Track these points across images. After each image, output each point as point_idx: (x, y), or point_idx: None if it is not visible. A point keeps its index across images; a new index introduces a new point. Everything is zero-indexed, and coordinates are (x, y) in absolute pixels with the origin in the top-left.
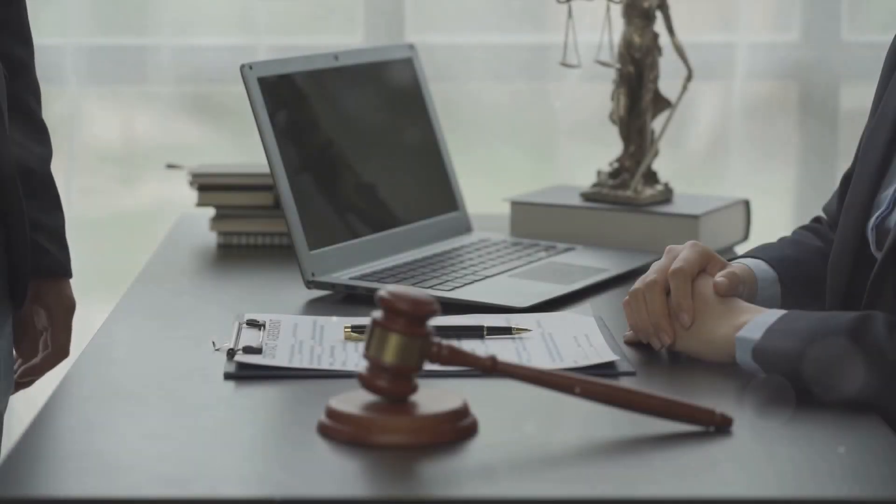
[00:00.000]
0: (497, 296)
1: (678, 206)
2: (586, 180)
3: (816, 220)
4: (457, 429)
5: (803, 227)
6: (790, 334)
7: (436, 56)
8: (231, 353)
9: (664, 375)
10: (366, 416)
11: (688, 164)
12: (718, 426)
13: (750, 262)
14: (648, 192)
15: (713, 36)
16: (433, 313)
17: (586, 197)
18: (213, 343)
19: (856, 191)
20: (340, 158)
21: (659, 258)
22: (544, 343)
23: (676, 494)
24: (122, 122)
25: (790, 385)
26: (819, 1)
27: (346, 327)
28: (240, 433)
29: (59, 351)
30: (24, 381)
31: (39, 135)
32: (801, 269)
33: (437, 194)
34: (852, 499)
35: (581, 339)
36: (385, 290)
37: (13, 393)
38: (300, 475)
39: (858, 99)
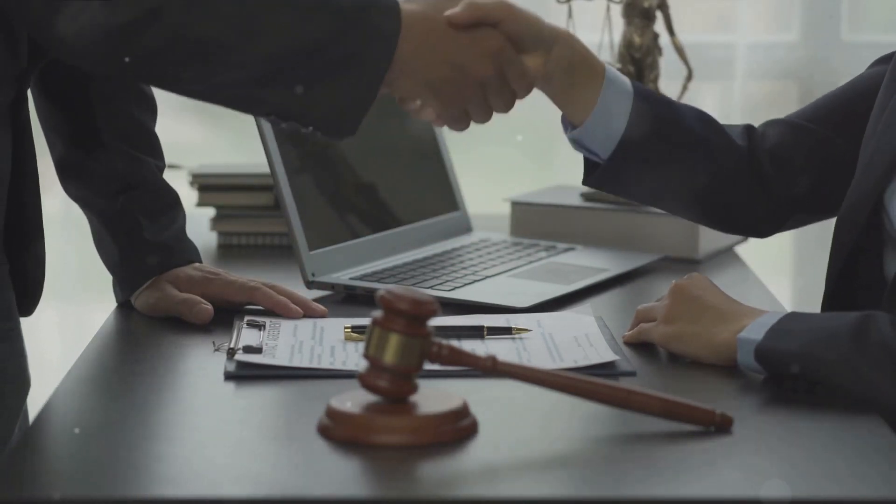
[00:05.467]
0: (497, 296)
1: None
2: None
3: (749, 127)
4: (457, 429)
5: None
6: (792, 335)
7: None
8: (231, 353)
9: (664, 375)
10: (366, 416)
11: None
12: (718, 426)
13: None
14: None
15: (713, 36)
16: (433, 313)
17: (586, 197)
18: (214, 343)
19: (877, 156)
20: (340, 158)
21: (659, 258)
22: (544, 343)
23: (676, 494)
24: None
25: (791, 385)
26: (819, 1)
27: (346, 327)
28: (240, 433)
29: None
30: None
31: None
32: (670, 111)
33: (438, 194)
34: (852, 499)
35: (581, 339)
36: (385, 290)
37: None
38: (300, 475)
39: None
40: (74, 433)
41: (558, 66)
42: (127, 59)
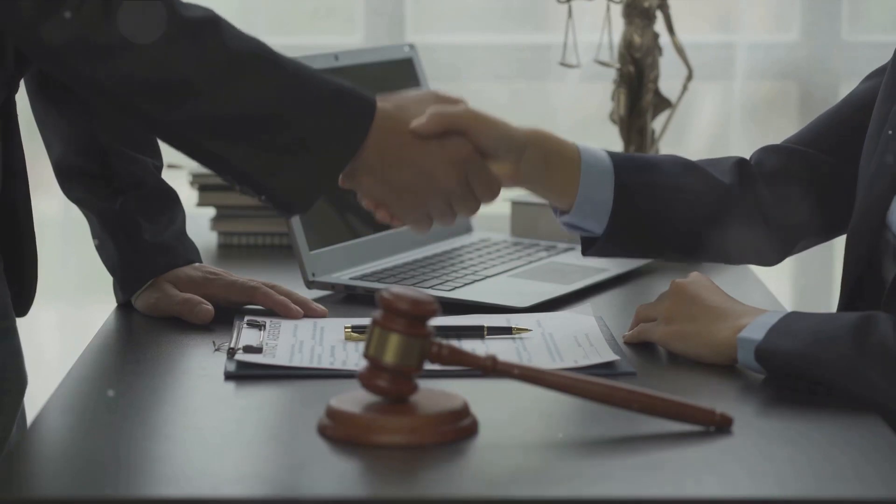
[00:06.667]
0: (497, 296)
1: None
2: None
3: (740, 161)
4: (457, 429)
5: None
6: (793, 335)
7: (436, 56)
8: (231, 353)
9: (664, 375)
10: (366, 416)
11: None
12: (719, 426)
13: (587, 146)
14: None
15: (713, 36)
16: (433, 313)
17: None
18: (214, 343)
19: (880, 171)
20: None
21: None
22: (544, 343)
23: (676, 494)
24: None
25: (791, 385)
26: (819, 1)
27: (346, 327)
28: (240, 433)
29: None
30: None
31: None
32: (653, 171)
33: None
34: (852, 499)
35: (581, 338)
36: (385, 290)
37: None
38: (300, 475)
39: None
40: (74, 433)
41: (532, 167)
42: (97, 77)
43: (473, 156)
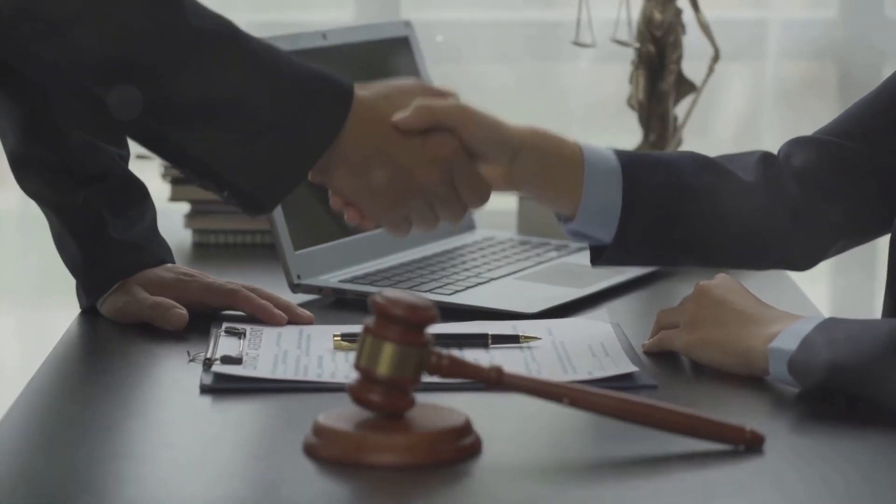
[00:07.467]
0: (503, 300)
1: None
2: None
3: (765, 155)
4: (458, 448)
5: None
6: (830, 345)
7: (435, 35)
8: (208, 364)
9: (689, 388)
10: (357, 434)
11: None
12: (749, 445)
13: (591, 144)
14: None
15: (743, 12)
16: (432, 320)
17: None
18: (188, 353)
19: None
20: None
21: None
22: (555, 353)
23: None
24: None
25: (828, 399)
26: None
27: (335, 335)
28: (217, 452)
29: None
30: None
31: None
32: (665, 170)
33: None
34: None
35: (596, 348)
36: (378, 293)
37: None
38: (284, 498)
39: None
40: (34, 450)
41: (527, 170)
42: (46, 56)
43: (459, 154)
